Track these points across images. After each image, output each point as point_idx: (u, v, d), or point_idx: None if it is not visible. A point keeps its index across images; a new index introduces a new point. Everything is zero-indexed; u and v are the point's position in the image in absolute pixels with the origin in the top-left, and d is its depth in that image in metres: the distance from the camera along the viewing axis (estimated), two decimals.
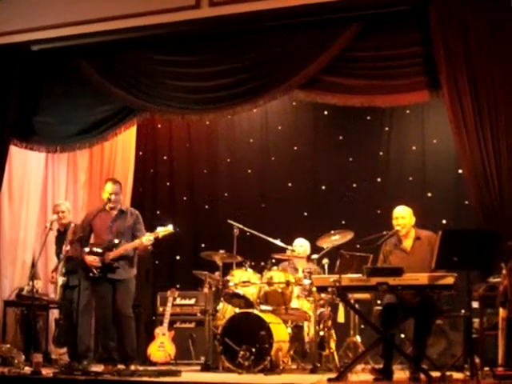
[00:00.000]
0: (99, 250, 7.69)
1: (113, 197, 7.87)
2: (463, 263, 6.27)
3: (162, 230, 7.75)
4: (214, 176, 10.89)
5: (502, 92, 7.37)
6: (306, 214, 10.24)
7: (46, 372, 7.41)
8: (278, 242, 8.79)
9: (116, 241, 7.73)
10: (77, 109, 9.21)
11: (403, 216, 7.13)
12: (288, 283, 8.13)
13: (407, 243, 7.12)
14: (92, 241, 7.92)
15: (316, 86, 8.27)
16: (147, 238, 7.68)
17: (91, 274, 7.71)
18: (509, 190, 7.26)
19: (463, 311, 7.74)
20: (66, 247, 8.28)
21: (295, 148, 10.50)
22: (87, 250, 7.75)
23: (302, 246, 8.97)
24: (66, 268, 8.49)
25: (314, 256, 8.60)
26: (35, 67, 9.26)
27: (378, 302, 8.16)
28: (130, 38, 8.75)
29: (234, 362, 7.75)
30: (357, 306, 8.17)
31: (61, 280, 8.56)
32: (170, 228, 7.77)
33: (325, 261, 8.43)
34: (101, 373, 7.33)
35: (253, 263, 8.66)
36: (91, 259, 7.68)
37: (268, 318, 7.95)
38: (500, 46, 7.41)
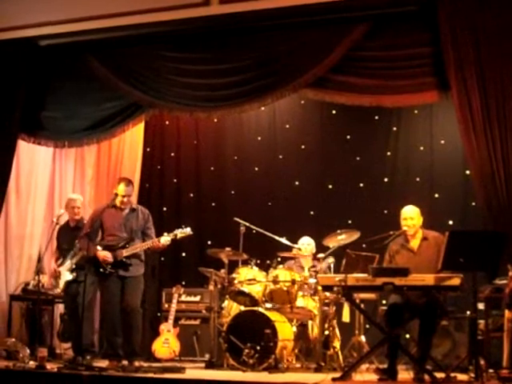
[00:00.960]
0: (113, 248, 7.71)
1: (125, 199, 7.89)
2: (470, 264, 6.26)
3: (180, 232, 7.81)
4: (221, 173, 10.88)
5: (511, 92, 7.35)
6: (312, 212, 10.23)
7: (51, 367, 7.44)
8: (284, 240, 8.79)
9: (126, 241, 7.75)
10: (85, 104, 9.22)
11: (412, 217, 7.12)
12: (293, 282, 8.13)
13: (414, 243, 7.11)
14: (104, 237, 7.92)
15: (324, 84, 8.26)
16: (165, 239, 7.73)
17: (101, 270, 7.72)
18: None
19: (469, 312, 7.72)
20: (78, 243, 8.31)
21: (303, 147, 10.48)
22: (100, 247, 7.76)
23: (309, 244, 8.97)
24: (76, 263, 8.49)
25: (321, 255, 8.59)
26: (43, 62, 9.27)
27: (384, 302, 8.16)
28: (138, 34, 8.75)
29: (239, 360, 7.76)
30: (362, 305, 8.16)
31: (69, 275, 8.55)
32: (188, 230, 7.85)
33: (331, 260, 8.43)
34: (105, 368, 7.35)
35: (258, 261, 8.65)
36: (104, 254, 7.70)
37: (273, 316, 7.95)
38: (509, 46, 7.38)
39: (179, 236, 7.82)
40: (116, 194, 7.90)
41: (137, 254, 7.79)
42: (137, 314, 7.76)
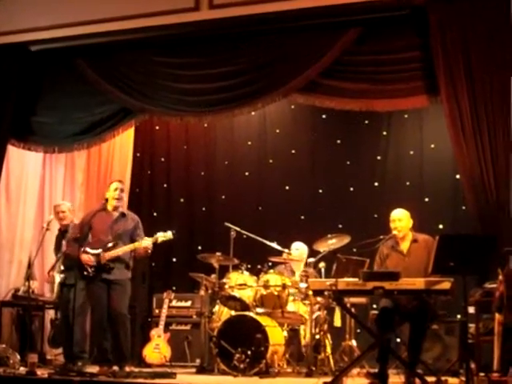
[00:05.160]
0: (96, 251, 7.68)
1: (118, 192, 7.87)
2: (460, 268, 6.26)
3: (162, 236, 7.77)
4: (212, 178, 10.87)
5: (500, 98, 7.38)
6: (302, 217, 10.22)
7: (41, 372, 7.42)
8: (274, 244, 8.79)
9: (110, 244, 7.71)
10: (75, 109, 9.23)
11: (400, 219, 7.14)
12: (284, 286, 8.13)
13: (404, 245, 7.13)
14: (90, 240, 7.90)
15: (315, 89, 8.30)
16: (146, 242, 7.69)
17: (85, 273, 7.69)
18: (506, 196, 7.28)
19: (459, 316, 7.73)
20: (65, 245, 8.28)
21: (293, 151, 10.48)
22: (84, 249, 7.74)
23: (297, 249, 8.95)
24: (63, 265, 8.48)
25: (311, 259, 8.60)
26: (34, 67, 9.29)
27: (374, 306, 8.16)
28: (129, 39, 8.77)
29: (230, 365, 7.75)
30: (353, 309, 8.17)
31: (58, 277, 8.56)
32: (169, 234, 7.80)
33: (321, 264, 8.43)
34: (96, 374, 7.33)
35: (249, 266, 8.65)
36: (86, 258, 7.67)
37: (264, 321, 7.94)
38: (499, 51, 7.43)
39: (160, 240, 7.78)
40: (107, 200, 7.89)
41: (121, 258, 7.72)
42: (124, 319, 7.71)
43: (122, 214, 7.94)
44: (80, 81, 9.11)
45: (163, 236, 7.78)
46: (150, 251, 7.83)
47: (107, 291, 7.69)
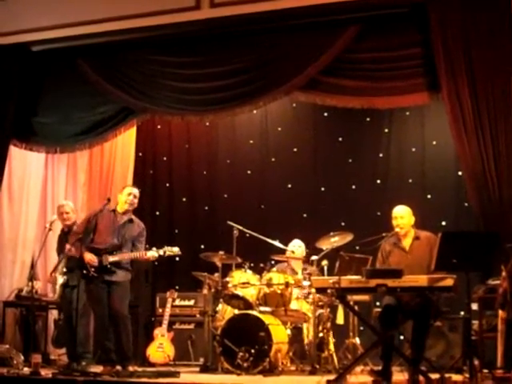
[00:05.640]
0: (100, 252, 7.69)
1: (131, 197, 7.91)
2: (463, 265, 6.25)
3: (169, 250, 7.82)
4: (214, 177, 10.87)
5: (502, 94, 7.38)
6: (305, 215, 10.23)
7: (45, 373, 7.42)
8: (277, 243, 8.79)
9: (115, 247, 7.73)
10: (77, 109, 9.24)
11: (402, 216, 7.12)
12: (287, 284, 8.13)
13: (406, 242, 7.12)
14: (94, 239, 7.88)
15: (316, 87, 8.30)
16: (152, 254, 7.75)
17: (85, 272, 7.69)
18: (508, 192, 7.28)
19: (462, 313, 7.73)
20: (69, 246, 8.28)
21: (295, 149, 10.49)
22: (87, 248, 7.74)
23: (300, 246, 8.97)
24: (66, 266, 8.48)
25: (314, 257, 8.59)
26: (35, 68, 9.29)
27: (377, 303, 8.16)
28: (130, 38, 8.77)
29: (233, 364, 7.75)
30: (356, 307, 8.16)
31: (61, 279, 8.55)
32: (176, 250, 7.85)
33: (324, 262, 8.42)
34: (99, 374, 7.33)
35: (252, 264, 8.65)
36: (90, 257, 7.67)
37: (267, 319, 7.94)
38: (500, 48, 7.42)
39: (167, 254, 7.83)
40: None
41: (121, 263, 7.75)
42: (125, 320, 7.73)
43: (130, 220, 7.95)
44: (81, 81, 9.11)
45: (170, 250, 7.84)
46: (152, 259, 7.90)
47: (108, 292, 7.71)
